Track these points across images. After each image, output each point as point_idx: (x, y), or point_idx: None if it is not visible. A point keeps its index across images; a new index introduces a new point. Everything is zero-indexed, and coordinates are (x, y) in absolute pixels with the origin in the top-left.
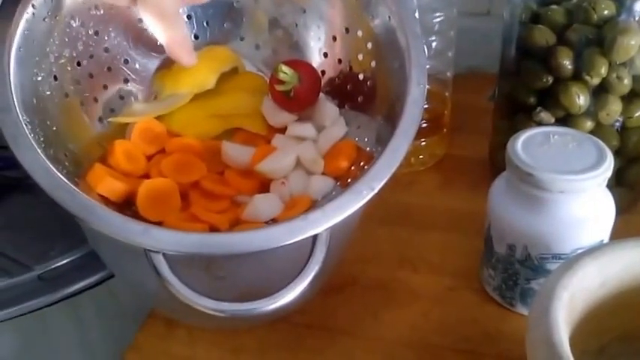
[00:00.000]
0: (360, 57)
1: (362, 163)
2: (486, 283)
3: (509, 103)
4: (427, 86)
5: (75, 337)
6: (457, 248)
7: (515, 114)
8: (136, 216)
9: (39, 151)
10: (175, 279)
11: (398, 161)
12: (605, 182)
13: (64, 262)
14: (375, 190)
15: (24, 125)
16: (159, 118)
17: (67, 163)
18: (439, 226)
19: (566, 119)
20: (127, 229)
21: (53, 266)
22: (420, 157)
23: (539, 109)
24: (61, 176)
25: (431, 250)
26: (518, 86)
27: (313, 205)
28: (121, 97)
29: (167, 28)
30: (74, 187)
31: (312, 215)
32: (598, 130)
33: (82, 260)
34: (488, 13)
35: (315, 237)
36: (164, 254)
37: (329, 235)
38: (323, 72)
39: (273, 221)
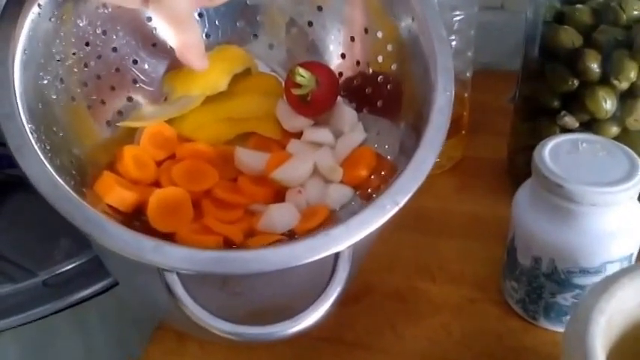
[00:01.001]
0: (380, 59)
1: (383, 172)
2: (508, 295)
3: (531, 105)
4: None
5: (79, 345)
6: (476, 256)
7: (537, 117)
8: (146, 226)
9: (45, 162)
10: (190, 300)
11: (424, 174)
12: (637, 194)
13: (69, 267)
14: (400, 205)
15: (29, 134)
16: (169, 121)
17: (73, 172)
18: (457, 232)
19: (591, 124)
20: (137, 246)
21: (58, 272)
22: (437, 160)
23: (563, 112)
24: (68, 189)
25: (449, 257)
26: (542, 89)
27: (331, 215)
28: (130, 100)
29: (180, 31)
30: (81, 201)
31: (334, 231)
32: (624, 136)
33: (87, 265)
34: (501, 7)
35: (337, 255)
36: (178, 273)
37: (352, 253)
38: (340, 74)
39: (290, 232)
